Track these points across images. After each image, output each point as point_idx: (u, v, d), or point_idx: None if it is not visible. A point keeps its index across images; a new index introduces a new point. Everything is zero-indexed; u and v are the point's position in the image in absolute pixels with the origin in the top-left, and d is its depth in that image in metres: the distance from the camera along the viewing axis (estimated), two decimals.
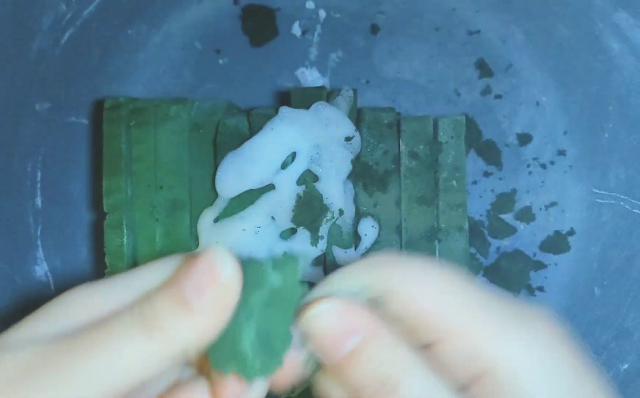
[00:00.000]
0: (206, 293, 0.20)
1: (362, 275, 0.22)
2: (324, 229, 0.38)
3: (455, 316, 0.21)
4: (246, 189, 0.38)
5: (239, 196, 0.39)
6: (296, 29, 0.47)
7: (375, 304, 0.22)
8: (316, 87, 0.41)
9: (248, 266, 0.22)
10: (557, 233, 0.46)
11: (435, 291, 0.21)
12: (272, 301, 0.22)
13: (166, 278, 0.21)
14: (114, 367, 0.19)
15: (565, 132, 0.46)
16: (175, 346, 0.20)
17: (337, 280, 0.23)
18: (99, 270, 0.44)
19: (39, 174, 0.45)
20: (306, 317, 0.21)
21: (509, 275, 0.46)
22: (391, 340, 0.21)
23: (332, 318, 0.21)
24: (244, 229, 0.38)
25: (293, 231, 0.38)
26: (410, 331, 0.22)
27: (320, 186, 0.38)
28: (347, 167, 0.39)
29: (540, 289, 0.45)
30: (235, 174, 0.38)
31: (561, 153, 0.46)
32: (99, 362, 0.19)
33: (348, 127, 0.39)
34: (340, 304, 0.21)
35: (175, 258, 0.22)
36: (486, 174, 0.46)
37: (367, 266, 0.22)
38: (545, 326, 0.21)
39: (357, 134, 0.39)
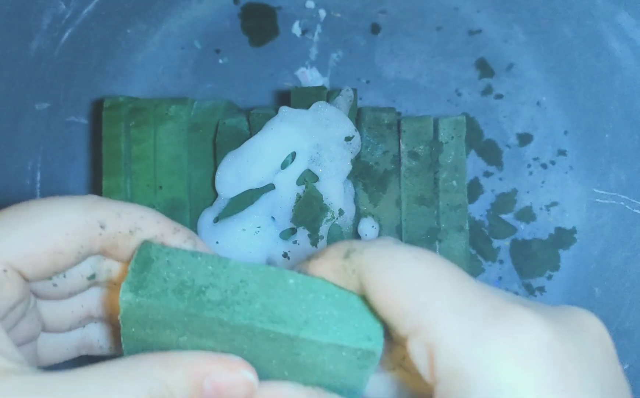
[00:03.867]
0: None
1: (338, 262, 0.23)
2: (324, 229, 0.38)
3: (420, 313, 0.20)
4: (246, 189, 0.38)
5: (239, 196, 0.39)
6: (296, 29, 0.47)
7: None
8: (316, 87, 0.41)
9: None
10: (557, 232, 0.46)
11: (404, 282, 0.20)
12: None
13: (184, 372, 0.22)
14: None
15: (566, 133, 0.46)
16: None
17: (322, 264, 0.23)
18: None
19: (38, 174, 0.44)
20: None
21: None
22: None
23: None
24: (244, 229, 0.38)
25: (293, 231, 0.38)
26: (389, 324, 0.21)
27: (320, 186, 0.38)
28: (347, 167, 0.39)
29: (541, 289, 0.45)
30: (235, 174, 0.38)
31: (562, 153, 0.46)
32: None
33: (348, 127, 0.39)
34: None
35: None
36: (486, 174, 0.46)
37: (342, 252, 0.23)
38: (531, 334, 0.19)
39: (357, 134, 0.39)
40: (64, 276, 0.25)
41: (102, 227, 0.24)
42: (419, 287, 0.20)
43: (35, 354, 0.27)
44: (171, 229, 0.25)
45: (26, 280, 0.23)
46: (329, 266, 0.23)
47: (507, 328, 0.19)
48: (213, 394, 0.22)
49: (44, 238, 0.23)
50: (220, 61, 0.47)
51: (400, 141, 0.40)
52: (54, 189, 0.45)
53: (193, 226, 0.39)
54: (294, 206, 0.38)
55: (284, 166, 0.38)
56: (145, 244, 0.24)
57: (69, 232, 0.23)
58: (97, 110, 0.45)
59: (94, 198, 0.24)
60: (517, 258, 0.46)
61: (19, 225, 0.22)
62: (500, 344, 0.18)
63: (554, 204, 0.46)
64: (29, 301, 0.24)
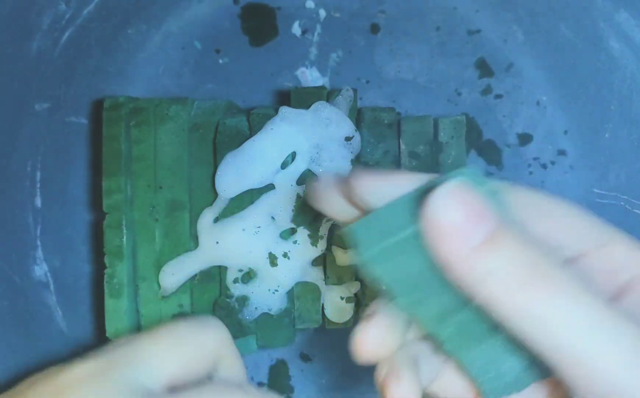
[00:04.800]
0: None
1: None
2: (324, 229, 0.38)
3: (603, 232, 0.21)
4: (246, 189, 0.38)
5: (239, 196, 0.39)
6: (296, 29, 0.47)
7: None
8: (316, 87, 0.41)
9: None
10: None
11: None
12: None
13: None
14: None
15: (565, 132, 0.46)
16: None
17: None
18: (99, 270, 0.44)
19: (38, 174, 0.44)
20: (433, 201, 0.19)
21: None
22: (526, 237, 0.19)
23: (464, 199, 0.19)
24: (243, 229, 0.38)
25: (293, 231, 0.38)
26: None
27: None
28: (347, 167, 0.39)
29: None
30: (235, 174, 0.38)
31: (562, 153, 0.46)
32: None
33: (348, 127, 0.39)
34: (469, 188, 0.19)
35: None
36: (487, 174, 0.46)
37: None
38: None
39: (357, 134, 0.39)
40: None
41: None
42: None
43: None
44: None
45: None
46: None
47: None
48: None
49: (190, 360, 0.28)
50: (220, 61, 0.47)
51: (401, 141, 0.40)
52: (53, 189, 0.45)
53: (193, 226, 0.39)
54: (294, 206, 0.38)
55: (284, 166, 0.38)
56: None
57: (206, 353, 0.29)
58: (97, 110, 0.45)
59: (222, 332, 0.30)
60: None
61: (170, 348, 0.28)
62: None
63: None
64: None
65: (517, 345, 0.21)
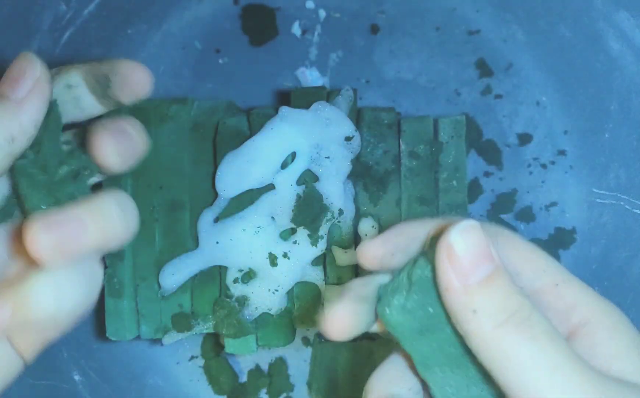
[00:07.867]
0: (20, 86, 0.23)
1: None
2: (324, 229, 0.38)
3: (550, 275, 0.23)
4: (246, 189, 0.38)
5: (239, 196, 0.39)
6: (296, 29, 0.47)
7: None
8: (316, 87, 0.41)
9: None
10: (557, 232, 0.46)
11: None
12: None
13: None
14: None
15: (565, 132, 0.46)
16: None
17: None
18: None
19: None
20: (449, 233, 0.21)
21: None
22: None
23: (475, 239, 0.21)
24: (244, 229, 0.38)
25: (293, 231, 0.38)
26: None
27: (320, 186, 0.38)
28: (347, 167, 0.39)
29: None
30: (235, 174, 0.38)
31: (561, 152, 0.46)
32: None
33: (348, 127, 0.39)
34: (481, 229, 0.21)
35: None
36: (486, 174, 0.46)
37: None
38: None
39: (357, 134, 0.39)
40: None
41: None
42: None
43: None
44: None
45: None
46: None
47: None
48: None
49: None
50: (220, 61, 0.47)
51: (401, 141, 0.40)
52: None
53: (193, 226, 0.39)
54: (294, 206, 0.38)
55: (284, 166, 0.38)
56: None
57: None
58: None
59: None
60: None
61: None
62: None
63: (554, 204, 0.46)
64: None
65: (484, 378, 0.22)
